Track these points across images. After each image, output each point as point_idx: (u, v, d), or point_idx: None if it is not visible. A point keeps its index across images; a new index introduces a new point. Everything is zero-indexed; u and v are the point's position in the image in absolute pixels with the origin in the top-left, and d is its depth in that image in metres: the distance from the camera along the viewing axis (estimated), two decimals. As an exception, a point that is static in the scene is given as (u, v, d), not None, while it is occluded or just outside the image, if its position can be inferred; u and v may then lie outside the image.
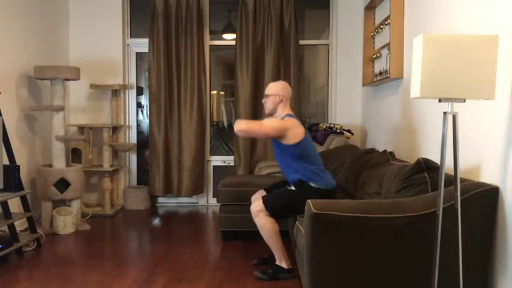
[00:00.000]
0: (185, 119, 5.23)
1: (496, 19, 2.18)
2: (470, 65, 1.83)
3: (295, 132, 2.97)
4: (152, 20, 5.20)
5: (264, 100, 3.18)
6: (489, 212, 2.16)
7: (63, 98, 4.31)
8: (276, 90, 3.12)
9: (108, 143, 5.01)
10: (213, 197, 5.52)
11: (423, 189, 2.36)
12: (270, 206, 3.00)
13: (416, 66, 1.89)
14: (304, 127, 3.07)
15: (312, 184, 3.01)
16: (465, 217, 2.12)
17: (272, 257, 3.22)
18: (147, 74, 5.52)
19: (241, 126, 2.92)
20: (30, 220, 3.76)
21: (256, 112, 5.24)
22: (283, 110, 3.12)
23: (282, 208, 3.04)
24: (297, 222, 2.92)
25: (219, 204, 3.96)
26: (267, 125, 2.94)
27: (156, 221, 4.73)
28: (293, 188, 3.06)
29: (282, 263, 3.09)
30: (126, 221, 4.76)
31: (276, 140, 3.03)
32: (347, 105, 5.40)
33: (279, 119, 3.04)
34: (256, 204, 3.03)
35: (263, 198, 3.04)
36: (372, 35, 4.62)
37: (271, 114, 3.18)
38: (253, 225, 3.86)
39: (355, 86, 5.38)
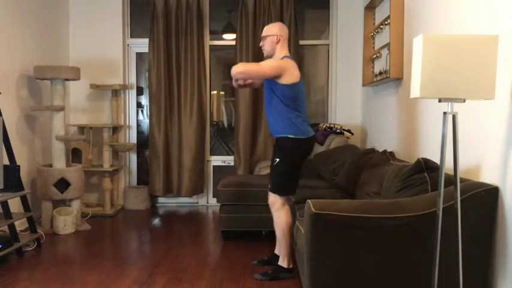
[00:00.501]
0: (185, 119, 5.23)
1: (496, 19, 2.18)
2: (470, 65, 1.83)
3: (292, 72, 2.97)
4: (152, 20, 5.20)
5: (261, 43, 3.17)
6: (489, 212, 2.16)
7: (63, 98, 4.31)
8: (273, 30, 3.10)
9: (108, 143, 5.01)
10: (213, 197, 5.52)
11: (423, 189, 2.36)
12: (277, 188, 3.06)
13: (416, 66, 1.89)
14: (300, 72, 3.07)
15: (290, 136, 3.01)
16: (465, 217, 2.12)
17: (272, 259, 3.23)
18: (147, 74, 5.52)
19: (239, 68, 2.91)
20: (30, 220, 3.76)
21: (256, 112, 5.25)
22: (281, 50, 3.10)
23: (284, 180, 3.07)
24: (297, 222, 2.93)
25: (219, 204, 3.96)
26: (265, 65, 2.94)
27: (156, 221, 4.73)
28: (277, 159, 3.08)
29: (284, 262, 3.09)
30: (126, 221, 4.76)
31: (270, 80, 3.01)
32: (347, 105, 5.40)
33: (277, 59, 3.04)
34: (270, 197, 3.11)
35: (269, 189, 3.11)
36: (372, 35, 4.62)
37: (269, 57, 3.16)
38: (253, 225, 3.88)
39: (355, 86, 5.38)
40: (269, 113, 3.13)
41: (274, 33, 3.09)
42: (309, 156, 3.15)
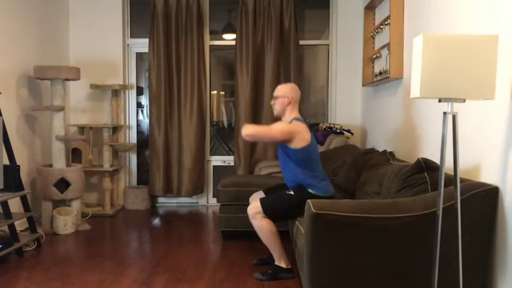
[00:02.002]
0: (185, 119, 5.23)
1: (496, 19, 2.18)
2: (470, 65, 1.83)
3: (302, 136, 2.96)
4: (152, 20, 5.20)
5: (272, 102, 3.17)
6: (489, 212, 2.16)
7: (63, 98, 4.31)
8: (284, 92, 3.10)
9: (108, 143, 5.01)
10: (213, 197, 5.52)
11: (423, 189, 2.36)
12: (267, 208, 3.00)
13: (416, 66, 1.89)
14: (311, 132, 3.07)
15: (310, 190, 3.01)
16: (465, 217, 2.12)
17: (271, 258, 3.22)
18: (147, 74, 5.52)
19: (248, 130, 2.91)
20: (30, 220, 3.76)
21: (256, 112, 5.25)
22: (291, 113, 3.10)
23: (280, 212, 3.04)
24: (297, 222, 2.93)
25: (219, 204, 3.96)
26: (274, 129, 2.93)
27: (156, 221, 4.73)
28: (292, 192, 3.05)
29: (281, 263, 3.09)
30: (126, 221, 4.76)
31: (282, 144, 3.03)
32: (347, 105, 5.40)
33: (286, 123, 3.03)
34: (254, 206, 3.02)
35: (261, 200, 3.03)
36: (372, 35, 4.62)
37: (279, 118, 3.18)
38: (253, 225, 3.87)
39: (355, 86, 5.38)
40: (284, 171, 3.15)
41: (285, 94, 3.09)
42: None
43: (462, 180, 2.28)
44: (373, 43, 4.64)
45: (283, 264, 3.09)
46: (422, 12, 3.22)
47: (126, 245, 3.86)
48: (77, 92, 5.35)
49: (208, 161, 5.52)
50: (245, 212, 3.84)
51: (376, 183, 3.00)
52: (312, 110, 5.61)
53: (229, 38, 5.55)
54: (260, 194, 3.32)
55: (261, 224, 3.00)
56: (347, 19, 5.33)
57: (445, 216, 2.08)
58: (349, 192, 3.55)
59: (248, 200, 3.82)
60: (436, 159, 2.83)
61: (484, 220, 2.16)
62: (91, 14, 5.32)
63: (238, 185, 3.92)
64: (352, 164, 3.63)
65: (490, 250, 2.19)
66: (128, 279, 3.04)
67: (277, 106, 3.13)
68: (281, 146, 3.06)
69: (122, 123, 5.41)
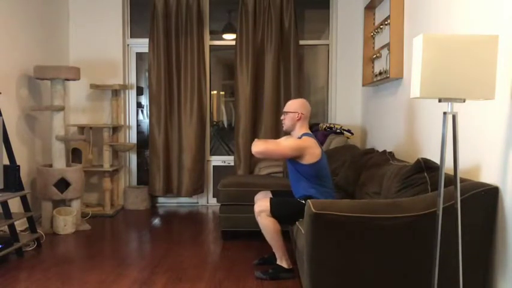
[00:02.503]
0: (185, 119, 5.23)
1: (496, 19, 2.18)
2: (470, 65, 1.83)
3: (313, 152, 2.96)
4: (152, 20, 5.20)
5: (282, 117, 3.17)
6: (489, 212, 2.16)
7: (63, 98, 4.31)
8: (294, 107, 3.10)
9: (108, 143, 5.02)
10: (213, 197, 5.52)
11: (423, 189, 2.36)
12: (276, 209, 2.99)
13: (416, 66, 1.89)
14: (321, 147, 3.06)
15: None
16: (465, 217, 2.12)
17: (272, 257, 3.22)
18: (147, 74, 5.52)
19: (258, 148, 2.92)
20: (30, 220, 3.76)
21: (256, 112, 5.25)
22: (301, 128, 3.10)
23: (287, 215, 3.03)
24: (297, 222, 2.93)
25: (219, 204, 3.96)
26: (284, 145, 2.93)
27: (156, 221, 4.73)
28: (303, 201, 3.04)
29: (282, 262, 3.09)
30: (126, 221, 4.76)
31: (291, 159, 3.03)
32: (347, 105, 5.40)
33: (296, 139, 3.02)
34: (262, 204, 3.02)
35: (271, 200, 3.03)
36: (372, 35, 4.62)
37: (288, 132, 3.18)
38: (254, 225, 3.87)
39: (355, 86, 5.38)
40: (294, 186, 3.14)
41: (295, 110, 3.09)
42: None
43: (462, 180, 2.28)
44: (373, 43, 4.64)
45: (284, 264, 3.09)
46: (422, 12, 3.22)
47: (126, 245, 3.86)
48: (77, 92, 5.35)
49: (208, 161, 5.52)
50: (245, 212, 3.86)
51: (376, 183, 3.00)
52: (312, 110, 5.58)
53: (229, 38, 5.55)
54: (267, 194, 3.33)
55: (267, 223, 3.00)
56: (347, 19, 5.33)
57: (445, 216, 2.08)
58: (349, 192, 3.55)
59: (248, 200, 3.83)
60: (436, 159, 2.83)
61: (484, 220, 2.16)
62: (91, 14, 5.32)
63: (238, 185, 3.92)
64: (352, 164, 3.63)
65: (490, 250, 2.19)
66: (128, 279, 3.04)
67: (287, 121, 3.13)
68: (291, 161, 3.06)
69: (122, 123, 5.41)
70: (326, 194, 3.04)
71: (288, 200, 3.08)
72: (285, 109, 3.15)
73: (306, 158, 2.96)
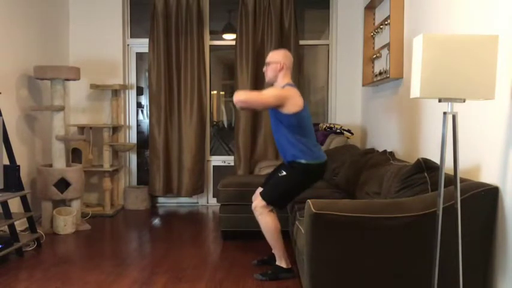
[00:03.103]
0: (185, 119, 5.23)
1: (496, 19, 2.18)
2: (470, 65, 1.83)
3: (295, 101, 2.93)
4: (152, 20, 5.20)
5: (264, 68, 3.14)
6: (489, 212, 2.16)
7: (63, 98, 4.31)
8: (276, 58, 3.07)
9: (108, 143, 5.02)
10: (213, 197, 5.52)
11: (423, 189, 2.36)
12: (268, 198, 3.01)
13: (416, 66, 1.89)
14: (302, 98, 3.03)
15: (302, 161, 2.99)
16: (465, 217, 2.12)
17: (272, 258, 3.22)
18: (147, 74, 5.52)
19: (240, 96, 2.86)
20: (30, 220, 3.76)
21: (256, 112, 5.25)
22: (284, 78, 3.07)
23: (280, 196, 3.05)
24: (297, 222, 2.93)
25: (219, 204, 3.96)
26: (266, 94, 2.89)
27: (156, 221, 4.73)
28: (284, 173, 3.04)
29: (281, 262, 3.09)
30: (126, 221, 4.76)
31: (274, 109, 2.99)
32: (347, 105, 5.40)
33: (278, 88, 3.01)
34: (256, 202, 3.04)
35: (260, 193, 3.05)
36: (372, 35, 4.62)
37: (271, 84, 3.14)
38: (253, 225, 3.87)
39: (355, 86, 5.38)
40: (277, 140, 3.11)
41: (277, 60, 3.06)
42: (319, 180, 3.12)
43: (462, 180, 2.28)
44: (373, 43, 4.64)
45: (283, 264, 3.09)
46: (423, 12, 3.22)
47: (126, 245, 3.86)
48: (77, 92, 5.35)
49: (208, 161, 5.52)
50: (245, 212, 3.85)
51: (376, 183, 3.00)
52: (312, 110, 5.60)
53: (229, 38, 5.55)
54: (260, 190, 3.33)
55: (267, 221, 3.01)
56: (347, 19, 5.33)
57: (445, 216, 2.08)
58: (349, 192, 3.55)
59: (248, 200, 3.82)
60: (436, 159, 2.83)
61: (484, 220, 2.16)
62: (91, 14, 5.32)
63: (238, 185, 3.92)
64: (352, 164, 3.63)
65: (490, 250, 2.19)
66: (128, 279, 3.04)
67: (269, 72, 3.10)
68: (273, 111, 3.02)
69: (122, 123, 5.41)
70: (308, 145, 3.00)
71: (274, 182, 3.09)
72: (267, 60, 3.11)
73: (287, 107, 2.92)
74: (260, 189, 3.33)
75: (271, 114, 3.08)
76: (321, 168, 3.05)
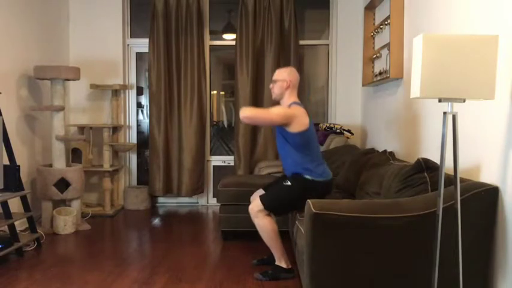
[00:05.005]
0: (185, 119, 5.23)
1: (496, 19, 2.18)
2: (470, 65, 1.83)
3: (301, 120, 2.94)
4: (152, 20, 5.20)
5: (271, 85, 3.15)
6: (489, 212, 2.16)
7: (63, 98, 4.31)
8: (283, 75, 3.08)
9: (108, 143, 5.02)
10: (213, 197, 5.52)
11: (423, 189, 2.36)
12: (268, 204, 3.00)
13: (416, 66, 1.89)
14: (309, 117, 3.04)
15: (307, 177, 3.00)
16: (465, 217, 2.12)
17: (272, 258, 3.22)
18: (147, 74, 5.52)
19: (246, 113, 2.87)
20: (30, 220, 3.76)
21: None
22: (290, 97, 3.09)
23: (280, 204, 3.05)
24: (297, 222, 2.92)
25: (219, 204, 3.96)
26: (273, 112, 2.91)
27: (156, 221, 4.73)
28: (289, 183, 3.04)
29: (281, 263, 3.09)
30: (126, 221, 4.76)
31: (280, 127, 3.01)
32: (347, 105, 5.40)
33: (285, 107, 3.02)
34: (254, 204, 3.03)
35: (261, 197, 3.04)
36: (372, 35, 4.62)
37: (277, 102, 3.16)
38: (253, 225, 3.87)
39: (355, 86, 5.38)
40: (283, 156, 3.12)
41: (284, 78, 3.07)
42: (325, 197, 3.07)
43: (462, 180, 2.28)
44: (373, 43, 4.64)
45: (283, 264, 3.09)
46: (423, 12, 3.22)
47: (126, 245, 3.86)
48: (77, 92, 5.35)
49: (208, 161, 5.52)
50: (245, 212, 3.84)
51: (376, 183, 3.00)
52: (312, 110, 5.60)
53: (229, 38, 5.55)
54: (260, 193, 3.32)
55: (263, 223, 3.00)
56: (347, 19, 5.33)
57: (445, 216, 2.08)
58: (349, 192, 3.55)
59: (248, 200, 3.82)
60: (436, 159, 2.82)
61: (484, 220, 2.16)
62: (91, 14, 5.32)
63: (238, 185, 3.92)
64: (352, 164, 3.63)
65: (490, 250, 2.19)
66: (128, 279, 3.04)
67: (276, 90, 3.11)
68: (279, 129, 3.04)
69: (122, 123, 5.41)
70: (314, 164, 3.00)
71: (276, 189, 3.08)
72: (274, 77, 3.13)
73: (293, 126, 2.94)
74: (260, 192, 3.32)
75: (277, 131, 3.10)
76: (326, 185, 3.05)
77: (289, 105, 3.03)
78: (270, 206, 3.00)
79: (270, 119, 2.91)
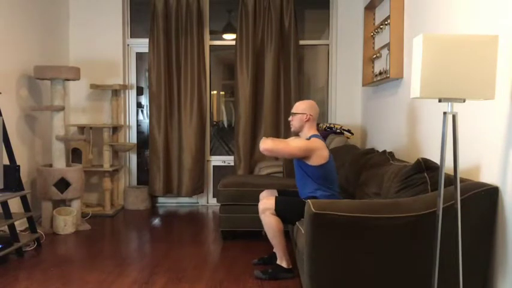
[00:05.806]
0: (185, 119, 5.23)
1: (496, 19, 2.18)
2: (470, 65, 1.83)
3: (321, 154, 2.96)
4: (152, 20, 5.20)
5: (290, 118, 3.16)
6: (489, 212, 2.16)
7: (63, 98, 4.31)
8: (303, 108, 3.10)
9: (108, 143, 5.02)
10: (213, 197, 5.52)
11: (423, 189, 2.36)
12: (281, 208, 2.99)
13: (416, 66, 1.89)
14: (329, 150, 3.06)
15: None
16: (465, 217, 2.12)
17: (272, 257, 3.22)
18: (147, 74, 5.52)
19: (267, 145, 2.91)
20: (30, 220, 3.76)
21: (256, 112, 5.25)
22: (310, 129, 3.10)
23: (291, 215, 3.03)
24: (297, 222, 2.93)
25: (219, 204, 3.96)
26: (293, 145, 2.93)
27: (156, 221, 4.73)
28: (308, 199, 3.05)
29: (282, 262, 3.09)
30: (126, 221, 4.76)
31: (299, 160, 3.03)
32: (347, 105, 5.40)
33: (305, 140, 3.03)
34: (267, 202, 3.02)
35: (277, 198, 3.03)
36: (372, 35, 4.62)
37: (296, 133, 3.18)
38: (253, 225, 3.88)
39: (355, 86, 5.38)
40: (300, 186, 3.14)
41: (304, 111, 3.09)
42: None
43: (462, 180, 2.28)
44: (373, 43, 4.64)
45: (284, 264, 3.09)
46: (423, 12, 3.22)
47: (126, 245, 3.86)
48: (77, 92, 5.35)
49: (208, 161, 5.52)
50: (245, 212, 3.86)
51: (376, 184, 2.99)
52: (312, 110, 5.60)
53: (229, 38, 5.55)
54: (273, 192, 3.33)
55: (269, 221, 3.01)
56: (347, 19, 5.33)
57: (445, 216, 2.08)
58: (349, 192, 3.55)
59: (248, 200, 3.84)
60: (436, 159, 2.83)
61: (484, 220, 2.16)
62: (91, 13, 5.32)
63: (238, 185, 3.92)
64: (352, 164, 3.63)
65: (490, 250, 2.19)
66: (128, 279, 3.04)
67: (295, 123, 3.12)
68: (298, 162, 3.06)
69: (122, 123, 5.41)
70: (332, 198, 3.03)
71: (294, 200, 3.08)
72: (293, 110, 3.15)
73: (313, 160, 2.96)
74: (273, 192, 3.33)
75: (296, 164, 3.11)
76: None
77: (309, 138, 3.04)
78: (281, 212, 3.00)
79: (289, 152, 2.94)
